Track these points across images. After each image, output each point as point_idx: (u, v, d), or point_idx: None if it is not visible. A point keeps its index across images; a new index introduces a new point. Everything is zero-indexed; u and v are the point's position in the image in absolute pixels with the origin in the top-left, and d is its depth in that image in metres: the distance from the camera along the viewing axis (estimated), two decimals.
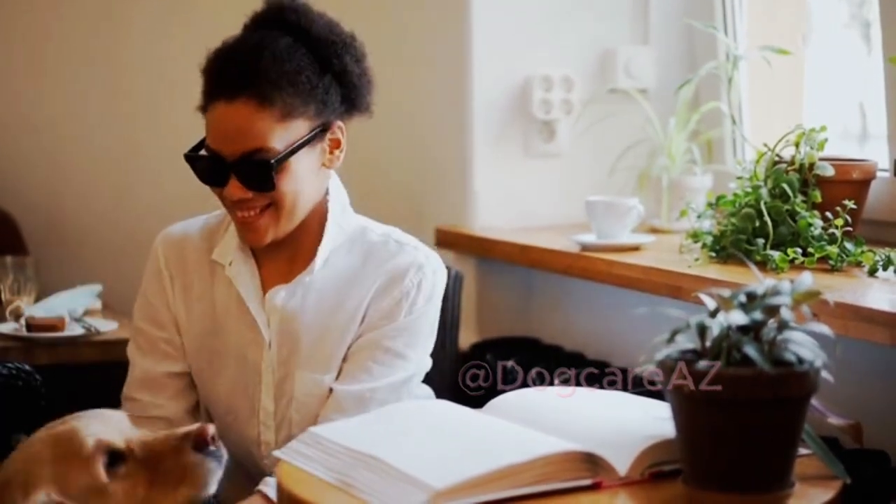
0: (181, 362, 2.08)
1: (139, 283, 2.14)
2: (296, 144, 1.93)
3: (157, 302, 2.08)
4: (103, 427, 1.71)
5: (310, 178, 1.97)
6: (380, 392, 1.98)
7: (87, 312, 2.95)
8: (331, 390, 2.00)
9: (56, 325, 2.76)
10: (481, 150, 2.94)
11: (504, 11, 2.92)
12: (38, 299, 2.94)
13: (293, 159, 1.93)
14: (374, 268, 2.03)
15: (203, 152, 1.97)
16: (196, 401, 2.11)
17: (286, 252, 2.04)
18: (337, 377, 2.01)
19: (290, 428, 2.01)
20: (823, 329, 1.46)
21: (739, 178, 2.37)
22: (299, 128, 1.94)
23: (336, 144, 2.01)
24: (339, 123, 2.00)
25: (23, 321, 2.78)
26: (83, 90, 3.62)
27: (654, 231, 2.73)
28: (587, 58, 2.98)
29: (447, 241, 2.97)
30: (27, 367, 2.19)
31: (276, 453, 1.69)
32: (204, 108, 1.96)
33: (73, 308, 2.88)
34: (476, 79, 2.92)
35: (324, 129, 1.97)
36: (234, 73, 1.91)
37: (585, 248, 2.56)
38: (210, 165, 1.94)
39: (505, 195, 2.96)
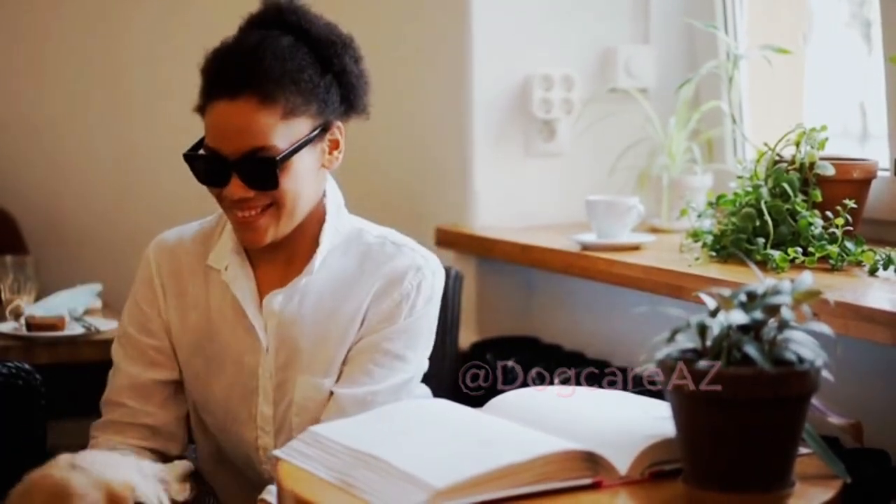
0: (170, 370, 2.06)
1: None
2: (298, 143, 1.92)
3: (148, 309, 2.06)
4: (95, 497, 1.70)
5: (310, 179, 1.96)
6: (381, 395, 1.97)
7: (87, 312, 2.95)
8: (331, 394, 2.00)
9: (56, 324, 2.76)
10: (481, 150, 2.94)
11: (504, 11, 2.92)
12: (38, 298, 2.94)
13: (295, 158, 1.92)
14: (372, 270, 2.02)
15: (202, 152, 1.96)
16: (185, 410, 2.10)
17: (282, 255, 2.03)
18: (337, 380, 2.01)
19: (291, 432, 1.99)
20: (824, 328, 1.46)
21: (740, 177, 2.37)
22: (301, 127, 1.93)
23: (335, 145, 2.00)
24: (339, 124, 1.99)
25: (23, 320, 2.78)
26: (83, 90, 3.62)
27: (655, 230, 2.73)
28: (587, 57, 2.98)
29: (447, 240, 2.97)
30: (27, 367, 2.18)
31: (277, 452, 1.68)
32: (202, 107, 1.94)
33: (73, 307, 2.88)
34: (476, 78, 2.92)
35: (324, 128, 1.97)
36: (236, 72, 1.90)
37: (586, 247, 2.56)
38: (210, 165, 1.93)
39: (505, 195, 2.96)
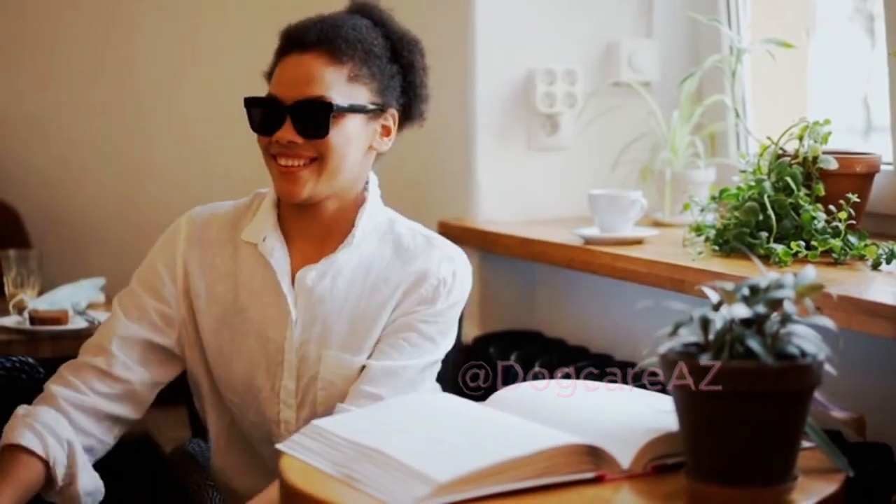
0: (165, 336, 2.08)
1: None
2: (355, 106, 2.00)
3: (163, 271, 2.08)
4: None
5: (357, 148, 2.03)
6: (411, 370, 2.03)
7: (90, 306, 2.96)
8: (362, 367, 2.04)
9: (59, 318, 2.77)
10: (484, 144, 2.94)
11: (507, 5, 2.92)
12: (41, 292, 2.95)
13: (348, 118, 1.99)
14: (406, 261, 2.08)
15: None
16: (165, 380, 2.10)
17: (319, 234, 2.07)
18: (369, 357, 2.06)
19: (315, 407, 2.04)
20: (826, 322, 1.46)
21: (743, 171, 2.37)
22: (361, 94, 2.01)
23: (387, 131, 2.08)
24: (394, 112, 2.07)
25: (26, 314, 2.79)
26: (87, 86, 3.62)
27: (657, 224, 2.73)
28: (590, 51, 2.98)
29: (450, 234, 2.96)
30: (30, 361, 2.19)
31: (279, 446, 1.69)
32: (272, 70, 2.03)
33: (76, 301, 2.88)
34: (479, 72, 2.92)
35: (381, 109, 2.04)
36: (315, 31, 2.00)
37: (588, 241, 2.56)
38: (267, 109, 2.00)
39: (508, 188, 2.96)
